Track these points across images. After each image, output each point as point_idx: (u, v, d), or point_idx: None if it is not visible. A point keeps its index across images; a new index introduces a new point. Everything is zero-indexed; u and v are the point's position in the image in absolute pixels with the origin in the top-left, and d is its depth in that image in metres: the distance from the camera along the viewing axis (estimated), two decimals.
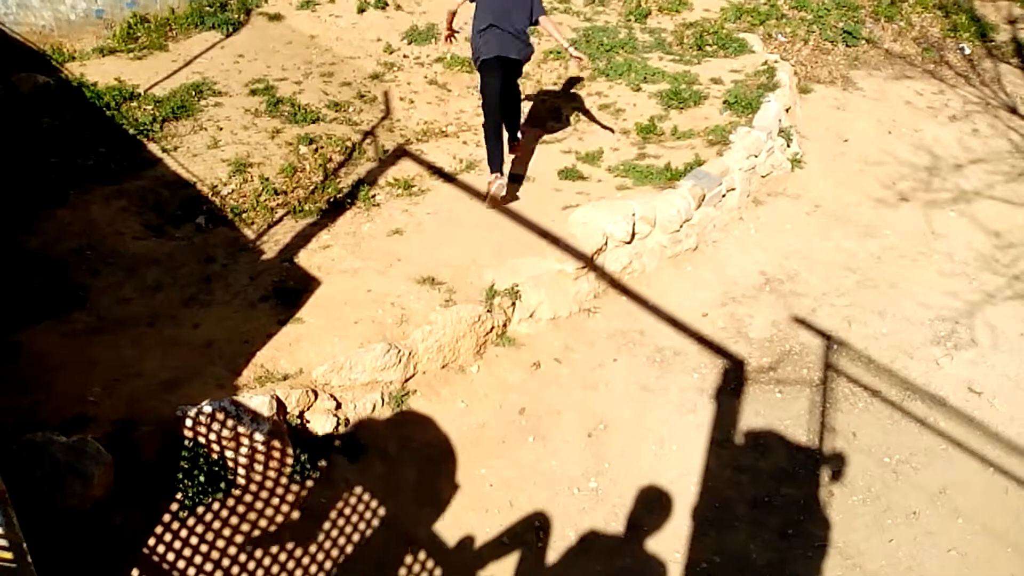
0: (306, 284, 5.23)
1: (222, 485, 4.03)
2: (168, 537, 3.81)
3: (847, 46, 9.74)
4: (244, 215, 5.95)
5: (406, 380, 4.84)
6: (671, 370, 5.34)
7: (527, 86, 8.30)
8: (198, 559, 3.78)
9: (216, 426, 4.01)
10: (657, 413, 5.01)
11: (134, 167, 6.21)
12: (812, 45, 9.63)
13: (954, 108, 8.95)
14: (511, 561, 4.12)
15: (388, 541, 4.07)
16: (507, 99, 6.21)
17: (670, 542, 4.27)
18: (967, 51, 10.10)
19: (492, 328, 5.22)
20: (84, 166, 6.10)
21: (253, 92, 7.36)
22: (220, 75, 7.59)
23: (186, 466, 3.97)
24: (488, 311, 5.17)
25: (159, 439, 4.00)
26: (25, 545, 2.71)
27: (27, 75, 7.02)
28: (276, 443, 4.16)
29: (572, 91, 8.18)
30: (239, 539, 3.90)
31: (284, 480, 4.19)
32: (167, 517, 3.87)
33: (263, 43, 8.38)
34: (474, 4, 6.18)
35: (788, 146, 7.56)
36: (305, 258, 5.54)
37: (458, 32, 6.63)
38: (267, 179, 6.26)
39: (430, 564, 4.02)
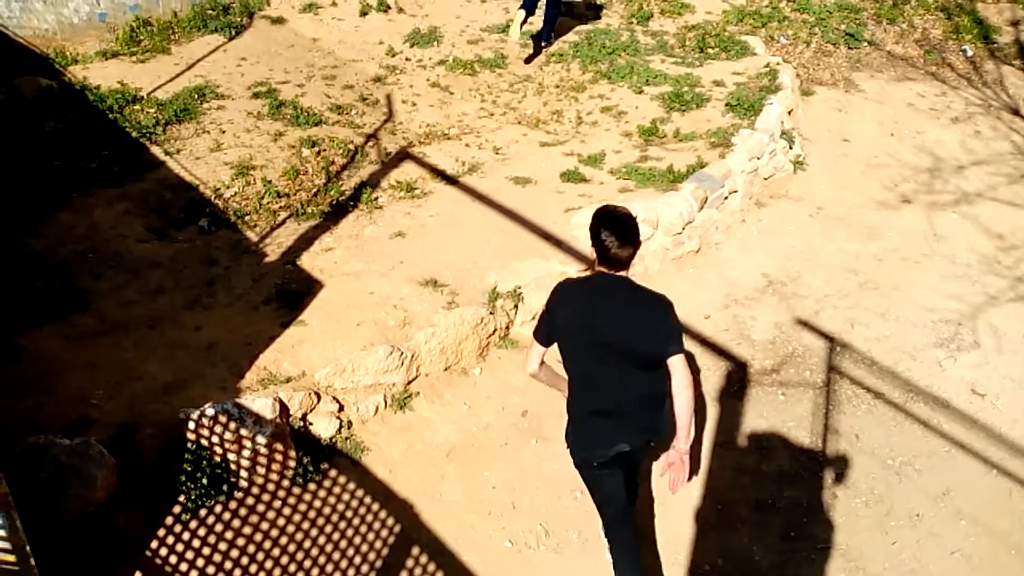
0: (308, 287, 5.23)
1: (224, 488, 4.03)
2: (170, 540, 3.81)
3: (849, 48, 9.73)
4: (247, 218, 5.96)
5: (409, 382, 4.84)
6: None
7: (528, 89, 8.31)
8: (200, 562, 3.78)
9: (218, 429, 4.01)
10: None
11: (137, 170, 6.22)
12: (814, 47, 9.62)
13: (956, 110, 8.93)
14: (514, 564, 4.11)
15: (390, 544, 4.07)
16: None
17: (673, 544, 4.26)
18: (969, 53, 10.08)
19: (495, 330, 5.22)
20: (87, 169, 6.12)
21: (256, 95, 7.37)
22: (223, 78, 7.60)
23: (188, 469, 3.97)
24: (491, 313, 5.17)
25: (161, 442, 4.00)
26: (28, 548, 2.71)
27: (30, 78, 7.03)
28: (278, 446, 4.16)
29: (573, 93, 8.18)
30: (241, 542, 3.90)
31: (286, 483, 4.19)
32: (169, 520, 3.87)
33: (266, 46, 8.39)
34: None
35: (790, 148, 7.56)
36: (307, 261, 5.54)
37: None
38: (270, 182, 6.27)
39: (432, 567, 4.01)
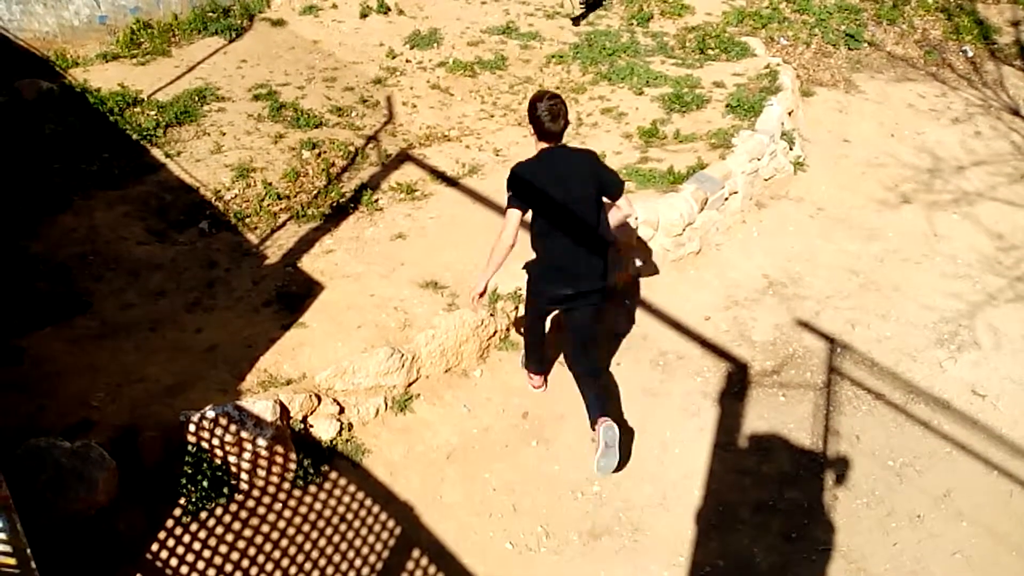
0: (309, 289, 5.24)
1: (225, 490, 4.03)
2: (171, 542, 3.81)
3: (849, 49, 9.73)
4: (247, 220, 5.96)
5: (409, 384, 4.84)
6: (674, 374, 5.33)
7: (528, 91, 8.30)
8: (201, 564, 3.78)
9: (219, 431, 4.02)
10: (660, 417, 5.01)
11: (137, 172, 6.22)
12: (814, 48, 9.62)
13: (956, 110, 8.93)
14: (515, 566, 4.11)
15: (391, 546, 4.07)
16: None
17: (673, 546, 4.26)
18: (969, 53, 10.08)
19: (495, 332, 5.22)
20: (87, 171, 6.12)
21: (256, 97, 7.38)
22: (223, 80, 7.61)
23: (189, 471, 3.97)
24: (491, 315, 5.17)
25: (162, 444, 4.01)
26: (29, 551, 2.71)
27: (31, 81, 7.05)
28: (279, 448, 4.16)
29: (574, 95, 8.18)
30: (242, 544, 3.90)
31: (287, 485, 4.19)
32: (170, 522, 3.88)
33: (266, 48, 8.40)
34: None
35: (790, 149, 7.56)
36: (308, 263, 5.54)
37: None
38: (270, 184, 6.27)
39: (433, 569, 4.01)
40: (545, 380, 5.11)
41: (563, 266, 4.32)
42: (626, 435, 4.76)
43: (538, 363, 5.02)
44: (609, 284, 4.58)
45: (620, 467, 4.47)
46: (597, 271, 4.37)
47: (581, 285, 4.33)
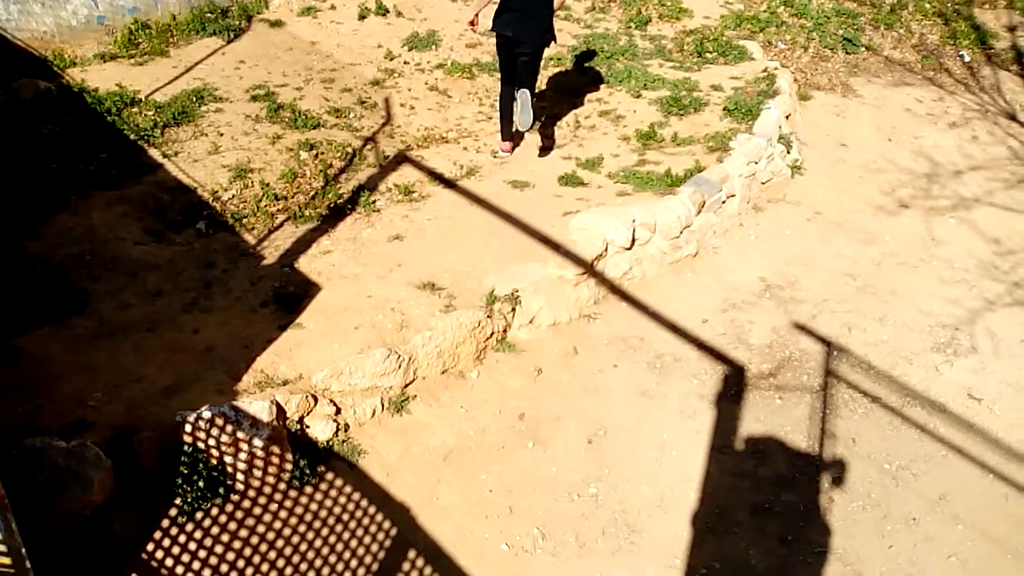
0: (306, 289, 5.23)
1: (221, 491, 4.03)
2: (167, 543, 3.81)
3: (847, 53, 9.76)
4: (245, 220, 5.96)
5: (406, 385, 4.84)
6: (671, 376, 5.34)
7: None
8: (196, 565, 3.78)
9: (215, 431, 4.01)
10: (657, 419, 5.01)
11: (135, 172, 6.22)
12: (812, 52, 9.65)
13: (953, 115, 8.96)
14: (511, 568, 4.11)
15: (387, 547, 4.07)
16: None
17: (670, 548, 4.26)
18: (966, 58, 10.12)
19: (492, 334, 5.22)
20: (85, 171, 6.11)
21: (254, 98, 7.38)
22: (221, 81, 7.61)
23: (185, 471, 3.97)
24: (488, 317, 5.17)
25: (159, 444, 4.00)
26: (24, 551, 2.71)
27: (28, 81, 7.03)
28: (275, 449, 4.16)
29: (571, 97, 8.19)
30: (238, 545, 3.90)
31: (283, 486, 4.19)
32: (166, 523, 3.87)
33: (264, 49, 8.40)
34: None
35: (788, 153, 7.57)
36: (305, 263, 5.54)
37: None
38: (268, 185, 6.27)
39: (429, 571, 4.01)
40: (512, 149, 7.13)
41: (511, 12, 6.37)
42: (622, 436, 4.81)
43: (507, 132, 6.97)
44: (548, 40, 6.56)
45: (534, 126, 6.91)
46: (539, 27, 6.39)
47: (523, 35, 6.35)
